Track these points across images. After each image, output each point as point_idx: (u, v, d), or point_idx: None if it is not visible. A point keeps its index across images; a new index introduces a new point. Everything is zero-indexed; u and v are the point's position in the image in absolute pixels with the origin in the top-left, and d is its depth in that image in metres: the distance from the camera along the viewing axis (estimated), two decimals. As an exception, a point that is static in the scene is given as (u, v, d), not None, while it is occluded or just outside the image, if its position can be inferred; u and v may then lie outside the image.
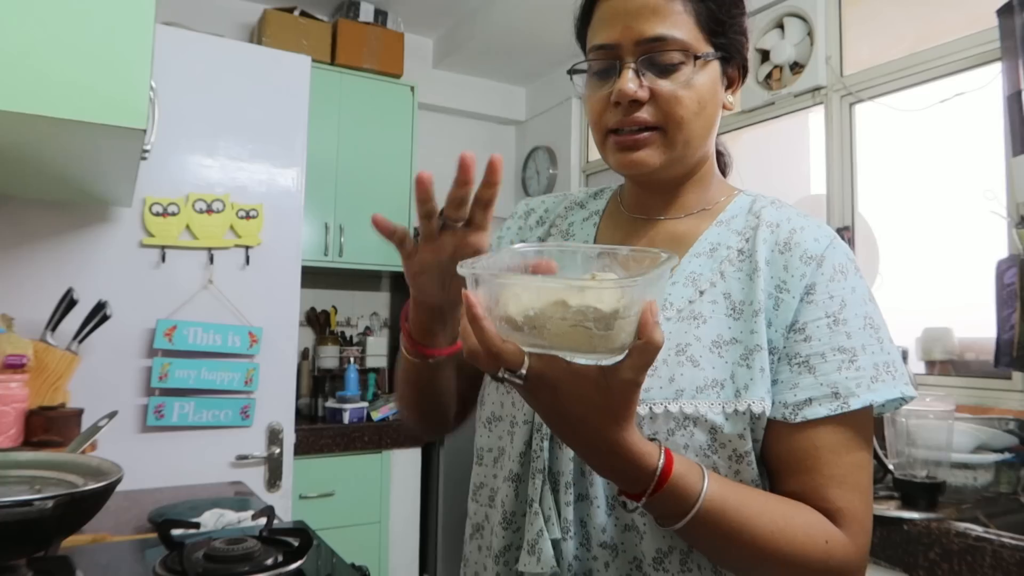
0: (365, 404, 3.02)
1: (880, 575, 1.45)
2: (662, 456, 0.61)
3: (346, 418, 2.93)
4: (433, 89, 3.72)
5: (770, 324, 0.72)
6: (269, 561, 0.96)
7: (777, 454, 0.71)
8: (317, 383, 3.19)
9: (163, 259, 1.98)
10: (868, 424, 0.71)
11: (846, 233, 2.32)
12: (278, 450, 2.09)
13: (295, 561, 0.97)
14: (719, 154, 0.88)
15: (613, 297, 0.53)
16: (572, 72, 0.80)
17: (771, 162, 2.84)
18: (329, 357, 3.19)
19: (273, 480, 2.08)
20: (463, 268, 0.56)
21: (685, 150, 0.76)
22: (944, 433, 1.59)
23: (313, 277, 3.29)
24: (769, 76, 2.58)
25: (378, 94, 3.25)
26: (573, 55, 0.84)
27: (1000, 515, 1.52)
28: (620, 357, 0.56)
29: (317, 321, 3.36)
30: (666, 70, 0.74)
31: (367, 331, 3.45)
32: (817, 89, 2.43)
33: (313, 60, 2.31)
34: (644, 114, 0.74)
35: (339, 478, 2.84)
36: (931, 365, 2.14)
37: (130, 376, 1.92)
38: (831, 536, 0.67)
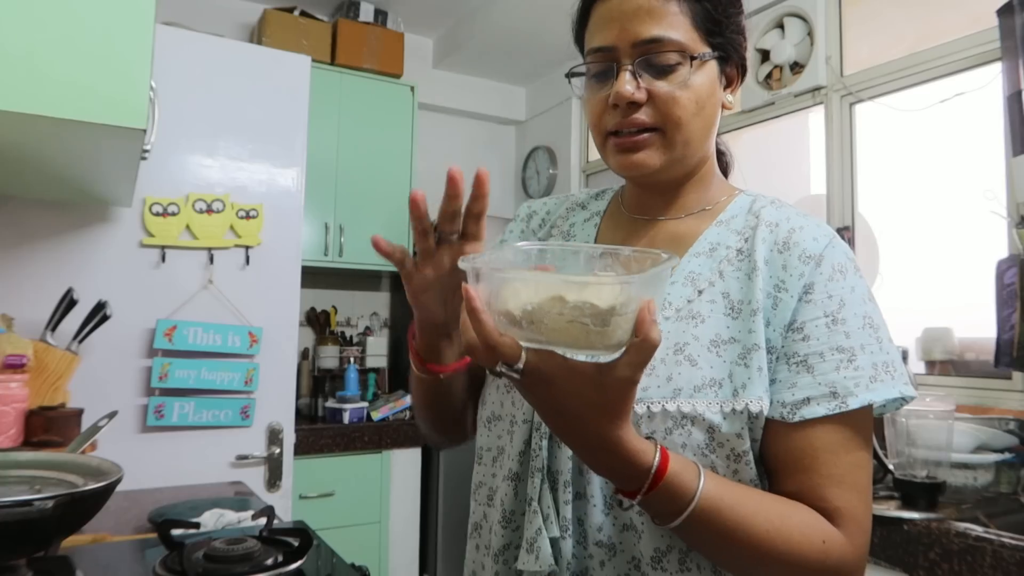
0: (365, 404, 3.02)
1: (880, 575, 1.45)
2: (657, 454, 0.61)
3: (346, 418, 2.93)
4: (433, 89, 3.72)
5: (768, 323, 0.72)
6: (269, 561, 0.96)
7: (775, 454, 0.71)
8: (317, 383, 3.19)
9: (163, 259, 1.98)
10: (867, 424, 0.71)
11: (846, 233, 2.32)
12: (278, 450, 2.09)
13: (295, 561, 0.97)
14: (720, 154, 0.89)
15: (610, 294, 0.53)
16: (570, 75, 0.81)
17: (771, 162, 2.84)
18: (329, 357, 3.19)
19: (273, 480, 2.08)
20: (464, 262, 0.57)
21: (685, 150, 0.77)
22: (944, 433, 1.59)
23: (313, 277, 3.29)
24: (769, 76, 2.58)
25: (378, 94, 3.26)
26: (573, 55, 0.84)
27: (1000, 515, 1.52)
28: (617, 354, 0.56)
29: (317, 321, 3.36)
30: (663, 71, 0.74)
31: (367, 331, 3.45)
32: (817, 89, 2.44)
33: (313, 60, 2.31)
34: (642, 115, 0.74)
35: (339, 478, 2.84)
36: (931, 365, 2.14)
37: (130, 376, 1.92)
38: (828, 536, 0.66)
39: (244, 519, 1.30)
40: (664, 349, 0.72)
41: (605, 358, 0.57)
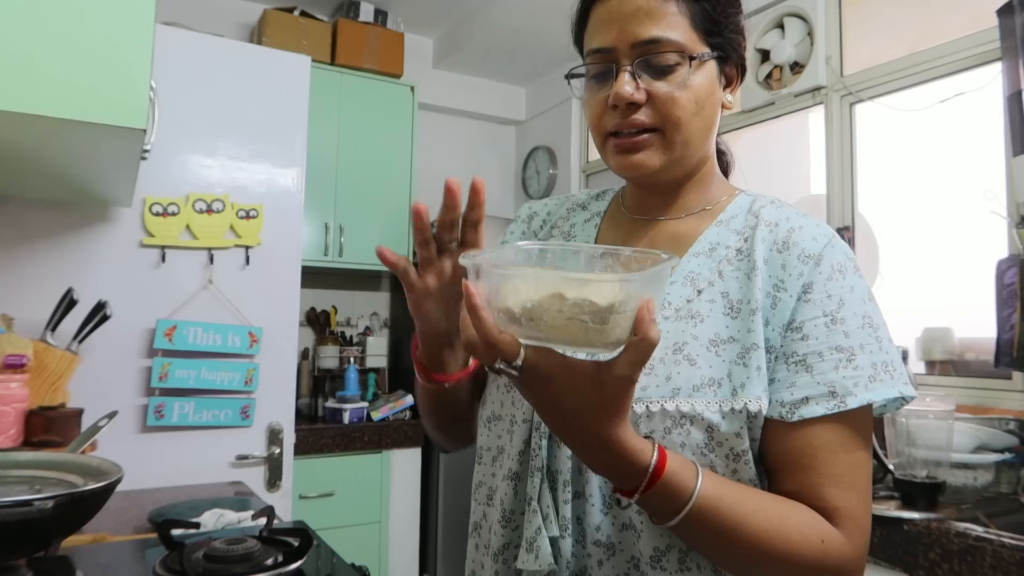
0: (365, 404, 3.02)
1: (880, 575, 1.45)
2: (655, 453, 0.61)
3: (346, 418, 2.93)
4: (433, 89, 3.72)
5: (767, 323, 0.72)
6: (269, 561, 0.96)
7: (774, 453, 0.71)
8: (317, 383, 3.19)
9: (163, 259, 1.98)
10: (867, 424, 0.71)
11: (846, 233, 2.32)
12: (278, 450, 2.09)
13: (295, 561, 0.97)
14: (721, 154, 0.89)
15: (610, 291, 0.53)
16: (570, 77, 0.81)
17: (771, 162, 2.84)
18: (329, 357, 3.19)
19: (273, 480, 2.08)
20: (464, 259, 0.57)
21: (684, 151, 0.77)
22: (944, 433, 1.59)
23: (313, 277, 3.29)
24: (769, 76, 2.58)
25: (378, 94, 3.26)
26: (573, 55, 0.84)
27: (1000, 515, 1.52)
28: (616, 353, 0.56)
29: (317, 321, 3.36)
30: (662, 71, 0.74)
31: (367, 331, 3.45)
32: (817, 89, 2.44)
33: (313, 60, 2.31)
34: (642, 116, 0.74)
35: (339, 478, 2.84)
36: (931, 365, 2.14)
37: (130, 376, 1.92)
38: (827, 535, 0.66)
39: (244, 519, 1.30)
40: (663, 349, 0.72)
41: (604, 356, 0.57)
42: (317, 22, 3.19)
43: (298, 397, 3.05)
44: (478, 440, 0.86)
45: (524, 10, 3.11)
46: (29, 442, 1.45)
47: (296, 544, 1.03)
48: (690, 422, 0.69)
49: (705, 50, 0.76)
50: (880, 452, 1.67)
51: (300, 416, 3.01)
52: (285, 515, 2.02)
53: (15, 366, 1.47)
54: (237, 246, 2.07)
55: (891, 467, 1.65)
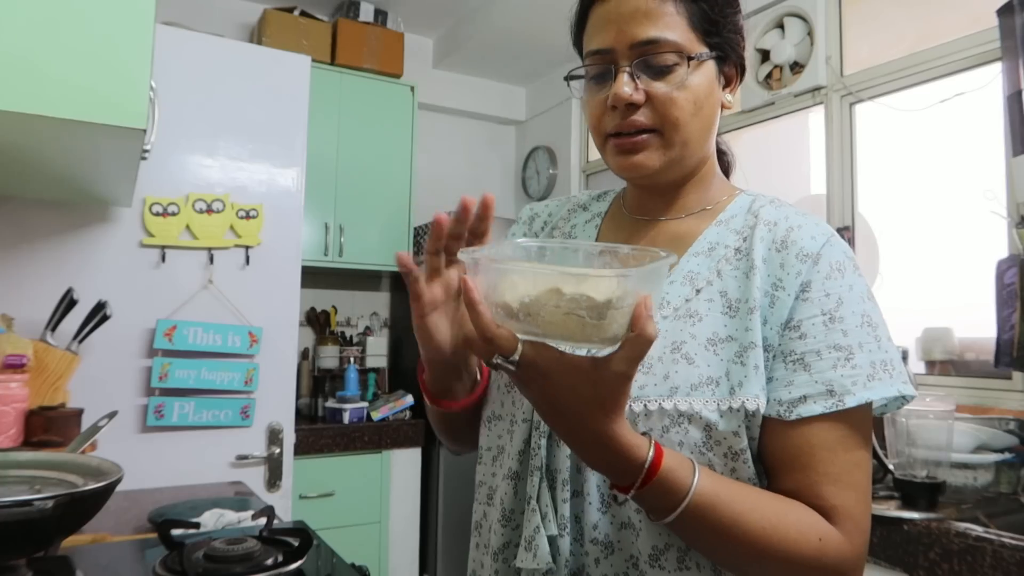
0: (365, 404, 3.02)
1: (880, 575, 1.45)
2: (651, 449, 0.62)
3: (346, 418, 2.93)
4: (433, 89, 3.72)
5: (765, 322, 0.72)
6: (269, 561, 0.96)
7: (772, 452, 0.71)
8: (317, 383, 3.19)
9: (163, 259, 1.98)
10: (865, 423, 0.71)
11: (846, 233, 2.32)
12: (278, 450, 2.09)
13: (295, 561, 0.97)
14: (722, 153, 0.89)
15: (607, 287, 0.53)
16: (569, 78, 0.81)
17: (771, 162, 2.84)
18: (329, 357, 3.19)
19: (273, 480, 2.08)
20: (463, 254, 0.58)
21: (683, 151, 0.77)
22: (944, 433, 1.59)
23: (313, 277, 3.29)
24: (769, 76, 2.58)
25: (378, 94, 3.26)
26: (573, 55, 0.84)
27: (1000, 515, 1.52)
28: (613, 348, 0.56)
29: (317, 321, 3.36)
30: (661, 72, 0.74)
31: (367, 331, 3.45)
32: (817, 89, 2.44)
33: (313, 60, 2.31)
34: (641, 117, 0.75)
35: (339, 478, 2.84)
36: (931, 365, 2.14)
37: (130, 376, 1.92)
38: (825, 534, 0.66)
39: (244, 519, 1.30)
40: (661, 347, 0.73)
41: (601, 352, 0.57)
42: (317, 22, 3.19)
43: (298, 397, 3.05)
44: (479, 440, 0.87)
45: (524, 10, 3.11)
46: (29, 442, 1.45)
47: (296, 544, 1.03)
48: (688, 421, 0.69)
49: (703, 50, 0.76)
50: (880, 452, 1.67)
51: (300, 416, 3.01)
52: (285, 515, 2.02)
53: (15, 366, 1.47)
54: (237, 246, 2.07)
55: (891, 467, 1.65)
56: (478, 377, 0.84)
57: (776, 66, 2.55)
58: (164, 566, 0.94)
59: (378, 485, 2.93)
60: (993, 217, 1.89)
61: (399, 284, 3.57)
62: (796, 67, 2.50)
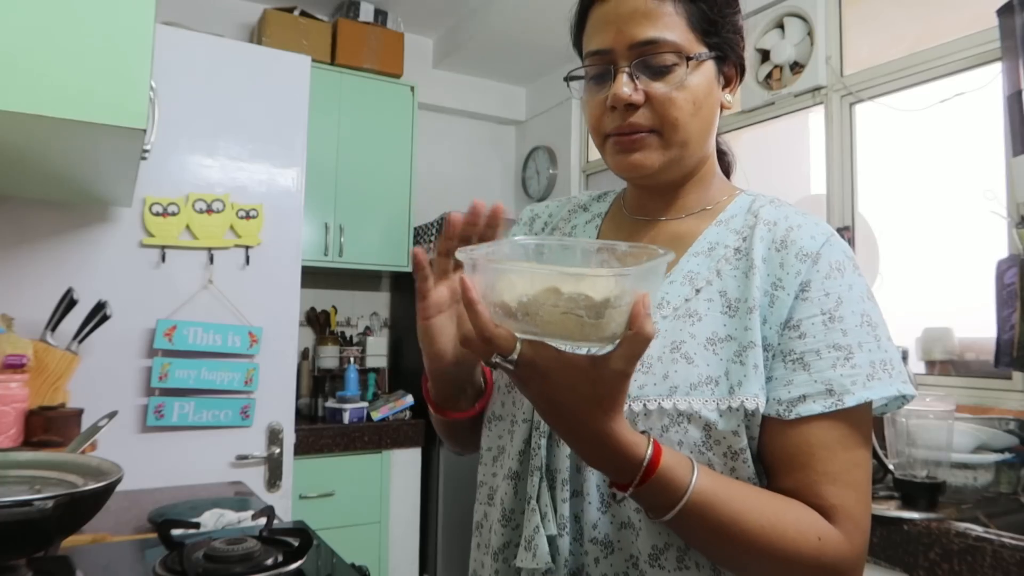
0: (365, 404, 3.02)
1: (880, 575, 1.45)
2: (650, 447, 0.62)
3: (346, 418, 2.93)
4: (433, 89, 3.72)
5: (765, 321, 0.72)
6: (269, 561, 0.96)
7: (772, 451, 0.71)
8: (317, 383, 3.19)
9: (163, 259, 1.98)
10: (865, 422, 0.71)
11: (846, 233, 2.31)
12: (278, 450, 2.09)
13: (295, 561, 0.97)
14: (722, 154, 0.89)
15: (605, 286, 0.54)
16: (569, 79, 0.81)
17: (771, 162, 2.84)
18: (329, 357, 3.19)
19: (273, 480, 2.08)
20: (461, 253, 0.58)
21: (683, 151, 0.77)
22: (944, 433, 1.59)
23: (313, 277, 3.29)
24: (769, 76, 2.58)
25: (378, 94, 3.26)
26: (573, 55, 0.85)
27: (1000, 515, 1.52)
28: (611, 347, 0.57)
29: (317, 321, 3.36)
30: (660, 72, 0.74)
31: (367, 331, 3.45)
32: (817, 89, 2.44)
33: (313, 60, 2.31)
34: (640, 118, 0.75)
35: (339, 478, 2.84)
36: (931, 365, 2.14)
37: (130, 376, 1.92)
38: (824, 533, 0.66)
39: (244, 519, 1.30)
40: (661, 347, 0.73)
41: (599, 351, 0.57)
42: (317, 22, 3.19)
43: (298, 397, 3.05)
44: (480, 440, 0.87)
45: (524, 10, 3.11)
46: (29, 442, 1.45)
47: (296, 544, 1.03)
48: (687, 420, 0.69)
49: (702, 50, 0.76)
50: (880, 452, 1.67)
51: (300, 416, 3.01)
52: (285, 515, 2.02)
53: (15, 366, 1.47)
54: (237, 246, 2.07)
55: (891, 467, 1.65)
56: (482, 386, 0.84)
57: (776, 66, 2.55)
58: (164, 566, 0.94)
59: (378, 485, 2.93)
60: (993, 217, 1.89)
61: (399, 284, 3.57)
62: (796, 67, 2.50)
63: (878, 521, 1.43)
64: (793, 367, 0.70)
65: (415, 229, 3.33)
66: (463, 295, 0.55)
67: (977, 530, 1.33)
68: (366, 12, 3.28)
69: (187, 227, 2.01)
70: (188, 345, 1.96)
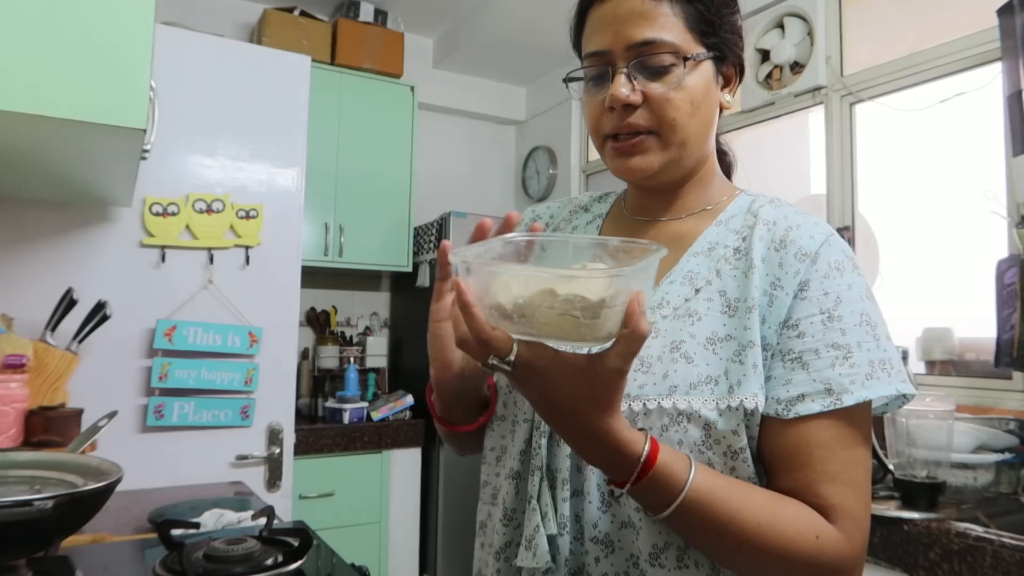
0: (365, 404, 3.02)
1: (880, 575, 1.45)
2: (647, 444, 0.62)
3: (346, 418, 2.93)
4: (433, 89, 3.72)
5: (764, 321, 0.72)
6: (269, 561, 0.96)
7: (771, 450, 0.71)
8: (317, 383, 3.19)
9: (163, 259, 1.98)
10: (864, 421, 0.71)
11: (846, 233, 2.32)
12: (278, 450, 2.09)
13: (295, 561, 0.97)
14: (723, 154, 0.89)
15: (601, 286, 0.54)
16: (568, 80, 0.81)
17: (771, 162, 2.84)
18: (329, 357, 3.19)
19: (273, 480, 2.08)
20: (454, 256, 0.58)
21: (682, 151, 0.77)
22: (944, 433, 1.59)
23: (313, 277, 3.29)
24: (769, 76, 2.58)
25: (378, 94, 3.26)
26: (573, 55, 0.85)
27: (1000, 515, 1.52)
28: (607, 346, 0.57)
29: (317, 321, 3.36)
30: (657, 73, 0.74)
31: (367, 331, 3.45)
32: (817, 89, 2.44)
33: (313, 60, 2.31)
34: (638, 118, 0.75)
35: (339, 478, 2.84)
36: (931, 365, 2.14)
37: (130, 376, 1.92)
38: (822, 532, 0.66)
39: (244, 519, 1.30)
40: (660, 347, 0.73)
41: (595, 349, 0.58)
42: (317, 22, 3.19)
43: (298, 397, 3.05)
44: (485, 440, 0.87)
45: (524, 10, 3.11)
46: (29, 442, 1.45)
47: (296, 544, 1.03)
48: (687, 419, 0.69)
49: (700, 50, 0.76)
50: (880, 452, 1.67)
51: (300, 416, 3.01)
52: (285, 515, 2.02)
53: (15, 366, 1.47)
54: (237, 246, 2.07)
55: (891, 467, 1.65)
56: (487, 399, 0.84)
57: (776, 66, 2.55)
58: (164, 566, 0.94)
59: (378, 485, 2.93)
60: (993, 217, 1.89)
61: (399, 284, 3.57)
62: (796, 67, 2.50)
63: (878, 521, 1.43)
64: (792, 366, 0.70)
65: (415, 229, 3.33)
66: (458, 298, 0.55)
67: (977, 530, 1.33)
68: (366, 12, 3.28)
69: (187, 227, 2.01)
70: (188, 345, 1.96)
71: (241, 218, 2.08)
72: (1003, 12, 1.84)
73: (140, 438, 1.92)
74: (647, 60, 0.74)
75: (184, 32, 2.10)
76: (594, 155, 3.65)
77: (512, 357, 0.57)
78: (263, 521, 1.11)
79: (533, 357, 0.57)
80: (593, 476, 0.74)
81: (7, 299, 1.77)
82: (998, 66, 1.90)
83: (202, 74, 2.07)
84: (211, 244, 2.03)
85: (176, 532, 1.05)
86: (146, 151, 1.40)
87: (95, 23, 1.08)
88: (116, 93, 1.09)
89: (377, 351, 3.32)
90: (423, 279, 3.19)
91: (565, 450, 0.74)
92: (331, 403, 3.02)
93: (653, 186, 0.82)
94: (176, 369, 1.94)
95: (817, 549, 0.66)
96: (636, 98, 0.74)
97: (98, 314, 1.76)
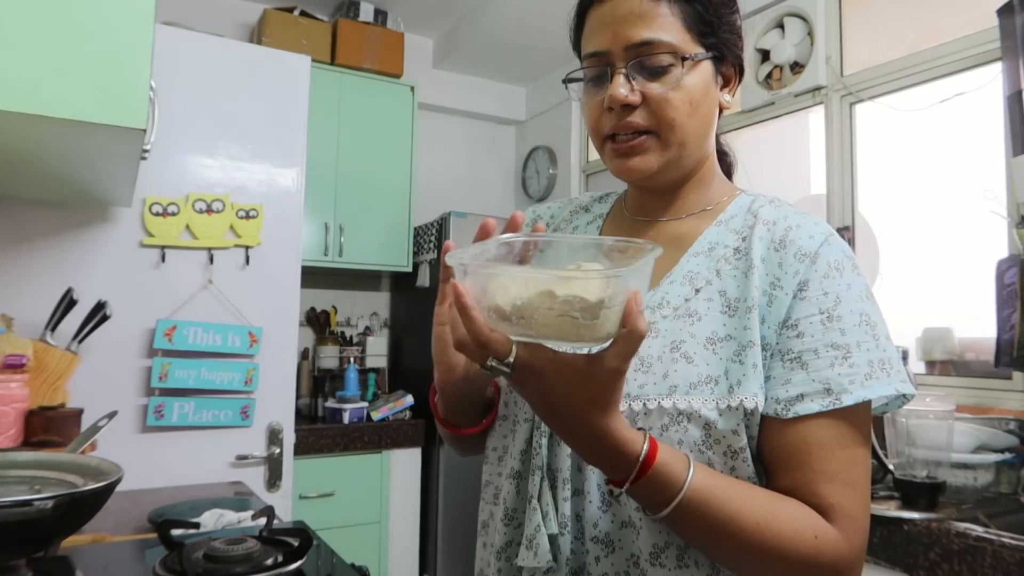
0: (365, 404, 3.02)
1: (880, 575, 1.45)
2: (646, 443, 0.62)
3: (346, 418, 2.93)
4: (433, 89, 3.72)
5: (763, 321, 0.72)
6: (269, 561, 0.96)
7: (770, 450, 0.71)
8: (317, 383, 3.19)
9: (163, 259, 1.98)
10: (864, 422, 0.71)
11: (846, 233, 2.32)
12: (278, 450, 2.09)
13: (295, 561, 0.97)
14: (723, 154, 0.89)
15: (599, 287, 0.54)
16: (567, 81, 0.81)
17: (771, 162, 2.84)
18: (329, 357, 3.19)
19: (273, 480, 2.08)
20: (451, 258, 0.58)
21: (681, 152, 0.77)
22: (944, 433, 1.59)
23: (313, 277, 3.29)
24: (769, 76, 2.58)
25: (378, 94, 3.26)
26: (573, 55, 0.85)
27: (1000, 515, 1.52)
28: (606, 345, 0.57)
29: (317, 321, 3.36)
30: (656, 73, 0.75)
31: (367, 331, 3.45)
32: (817, 89, 2.44)
33: (313, 60, 2.31)
34: (637, 118, 0.75)
35: (339, 478, 2.84)
36: (931, 365, 2.14)
37: (130, 376, 1.92)
38: (821, 531, 0.66)
39: (244, 519, 1.30)
40: (661, 347, 0.73)
41: (595, 350, 0.58)
42: (317, 22, 3.19)
43: (298, 397, 3.05)
44: (487, 440, 0.87)
45: (524, 10, 3.11)
46: (29, 442, 1.45)
47: (296, 544, 1.03)
48: (687, 419, 0.70)
49: (699, 51, 0.76)
50: (880, 452, 1.67)
51: (300, 416, 3.01)
52: (285, 515, 2.02)
53: (15, 366, 1.47)
54: (237, 246, 2.07)
55: (891, 467, 1.65)
56: (491, 402, 0.84)
57: (776, 66, 2.55)
58: (164, 566, 0.94)
59: (378, 485, 2.93)
60: (993, 217, 1.89)
61: (399, 284, 3.57)
62: (796, 67, 2.50)
63: (878, 521, 1.43)
64: (791, 366, 0.70)
65: (415, 229, 3.33)
66: (456, 301, 0.55)
67: (977, 530, 1.33)
68: (366, 12, 3.28)
69: (187, 227, 2.01)
70: (188, 345, 1.96)
71: (241, 218, 2.08)
72: (1003, 12, 1.84)
73: (140, 438, 1.92)
74: (646, 60, 0.74)
75: (184, 32, 2.10)
76: (594, 155, 3.65)
77: (511, 359, 0.57)
78: (263, 521, 1.11)
79: (532, 358, 0.57)
80: (593, 476, 0.74)
81: (7, 299, 1.77)
82: (998, 66, 1.90)
83: (202, 74, 2.07)
84: (211, 244, 2.03)
85: (176, 532, 1.05)
86: (146, 151, 1.40)
87: (95, 23, 1.08)
88: (116, 93, 1.09)
89: (377, 351, 3.32)
90: (423, 279, 3.19)
91: (566, 450, 0.74)
92: (331, 403, 3.02)
93: (653, 186, 0.82)
94: (176, 369, 1.94)
95: (816, 549, 0.66)
96: (635, 98, 0.74)
97: (98, 314, 1.76)
